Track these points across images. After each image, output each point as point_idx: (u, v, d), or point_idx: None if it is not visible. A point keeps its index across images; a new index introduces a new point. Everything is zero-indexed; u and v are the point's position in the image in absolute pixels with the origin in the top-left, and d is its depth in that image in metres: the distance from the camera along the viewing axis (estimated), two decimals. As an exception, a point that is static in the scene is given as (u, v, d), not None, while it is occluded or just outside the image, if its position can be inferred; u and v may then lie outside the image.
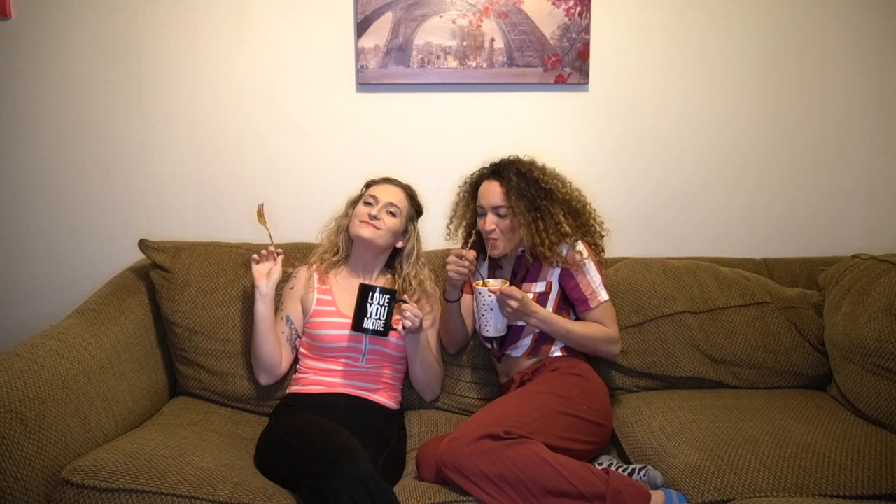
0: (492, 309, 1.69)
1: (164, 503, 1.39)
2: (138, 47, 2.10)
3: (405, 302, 1.70)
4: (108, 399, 1.66)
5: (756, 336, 1.93)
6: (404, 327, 1.68)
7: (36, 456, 1.40)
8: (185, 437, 1.65)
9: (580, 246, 1.78)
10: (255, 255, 1.80)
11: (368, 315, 1.64)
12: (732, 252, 2.22)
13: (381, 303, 1.64)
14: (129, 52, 2.10)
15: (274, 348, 1.80)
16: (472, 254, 1.74)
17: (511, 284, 1.78)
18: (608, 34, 2.15)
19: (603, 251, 1.90)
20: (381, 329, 1.65)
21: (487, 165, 1.88)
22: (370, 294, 1.64)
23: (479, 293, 1.70)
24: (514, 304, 1.64)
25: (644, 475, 1.53)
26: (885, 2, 2.16)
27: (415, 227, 1.91)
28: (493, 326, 1.71)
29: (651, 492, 1.44)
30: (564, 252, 1.77)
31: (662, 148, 2.22)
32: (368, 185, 1.92)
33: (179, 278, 1.94)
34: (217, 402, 1.92)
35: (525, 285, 1.80)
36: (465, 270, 1.73)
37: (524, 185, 1.78)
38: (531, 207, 1.77)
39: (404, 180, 1.92)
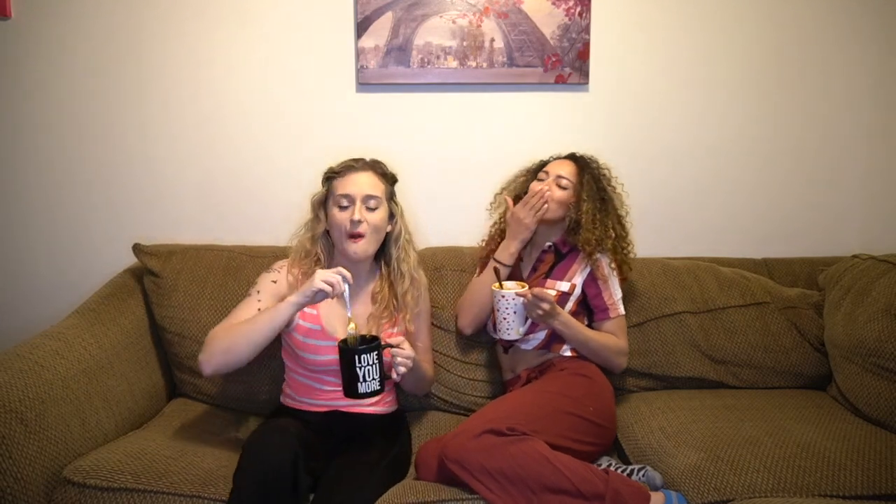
0: (515, 312, 1.66)
1: (165, 502, 1.39)
2: (138, 49, 2.10)
3: (392, 346, 1.53)
4: (108, 399, 1.66)
5: (756, 336, 1.93)
6: (398, 374, 1.53)
7: (36, 456, 1.40)
8: (185, 437, 1.66)
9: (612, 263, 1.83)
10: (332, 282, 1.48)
11: (361, 379, 1.44)
12: (732, 252, 2.22)
13: (371, 362, 1.44)
14: (128, 53, 2.10)
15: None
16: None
17: (528, 280, 1.81)
18: (608, 34, 2.15)
19: (624, 279, 1.87)
20: (378, 388, 1.47)
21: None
22: (357, 359, 1.44)
23: (504, 297, 1.65)
24: (546, 307, 1.63)
25: (643, 476, 1.53)
26: (886, 2, 2.16)
27: (397, 204, 1.74)
28: (514, 329, 1.68)
29: (651, 493, 1.44)
30: (599, 256, 1.80)
31: (662, 148, 2.22)
32: (329, 177, 1.70)
33: (168, 283, 1.94)
34: (216, 404, 1.92)
35: (549, 282, 1.81)
36: (545, 207, 1.78)
37: (598, 176, 1.85)
38: (598, 197, 1.82)
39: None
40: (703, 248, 2.24)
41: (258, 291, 1.67)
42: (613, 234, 1.82)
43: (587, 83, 2.17)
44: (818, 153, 2.25)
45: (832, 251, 2.22)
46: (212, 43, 2.12)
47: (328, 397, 1.67)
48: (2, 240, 2.18)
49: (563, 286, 1.80)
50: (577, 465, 1.41)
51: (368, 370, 1.44)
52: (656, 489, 1.48)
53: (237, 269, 1.97)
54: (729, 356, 1.93)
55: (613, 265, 1.82)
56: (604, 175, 1.88)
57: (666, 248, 2.22)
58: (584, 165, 1.86)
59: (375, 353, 1.45)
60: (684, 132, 2.22)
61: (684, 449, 1.55)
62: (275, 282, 1.68)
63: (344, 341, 1.47)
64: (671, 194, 2.25)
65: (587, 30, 2.12)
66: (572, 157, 1.90)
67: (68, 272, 2.18)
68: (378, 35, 2.11)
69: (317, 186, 1.95)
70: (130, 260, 2.06)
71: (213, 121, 2.15)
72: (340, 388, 1.51)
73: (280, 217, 2.17)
